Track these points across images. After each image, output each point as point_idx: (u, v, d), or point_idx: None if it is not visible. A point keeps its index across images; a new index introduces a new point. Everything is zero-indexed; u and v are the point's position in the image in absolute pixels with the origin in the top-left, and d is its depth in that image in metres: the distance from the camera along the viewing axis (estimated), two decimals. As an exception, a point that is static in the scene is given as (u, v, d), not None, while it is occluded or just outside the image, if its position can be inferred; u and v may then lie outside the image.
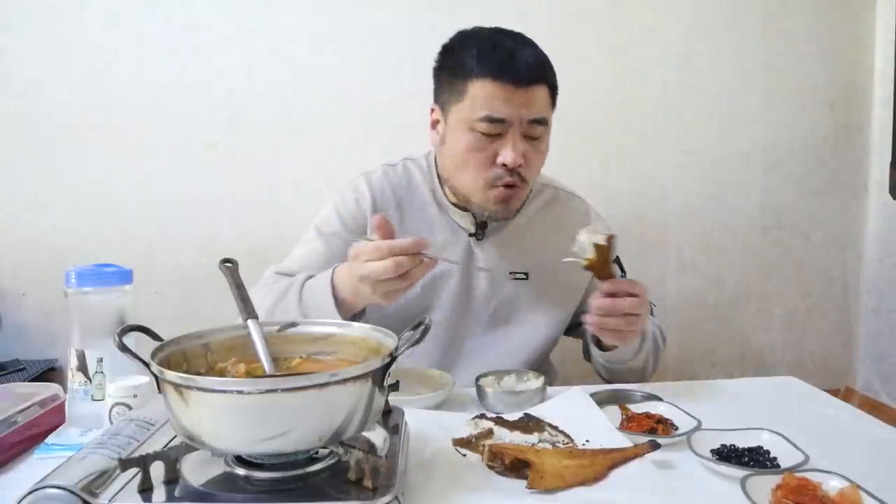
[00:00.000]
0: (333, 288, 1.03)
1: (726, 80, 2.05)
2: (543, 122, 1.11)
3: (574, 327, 1.33)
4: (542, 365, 1.31)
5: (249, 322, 0.77)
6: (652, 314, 1.34)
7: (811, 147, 2.11)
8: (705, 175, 2.08)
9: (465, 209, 1.21)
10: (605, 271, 1.01)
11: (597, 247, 0.99)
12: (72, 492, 0.59)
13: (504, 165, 1.09)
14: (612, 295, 1.02)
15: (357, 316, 1.06)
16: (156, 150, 1.89)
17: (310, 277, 1.10)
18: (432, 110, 1.20)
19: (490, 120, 1.08)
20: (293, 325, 0.81)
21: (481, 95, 1.08)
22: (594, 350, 1.21)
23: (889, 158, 2.05)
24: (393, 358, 0.67)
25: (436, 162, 1.26)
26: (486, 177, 1.11)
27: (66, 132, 1.86)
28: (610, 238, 0.99)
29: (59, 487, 0.60)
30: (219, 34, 1.88)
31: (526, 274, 1.25)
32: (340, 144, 1.93)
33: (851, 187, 2.14)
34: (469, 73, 1.09)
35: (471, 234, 1.23)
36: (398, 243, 0.91)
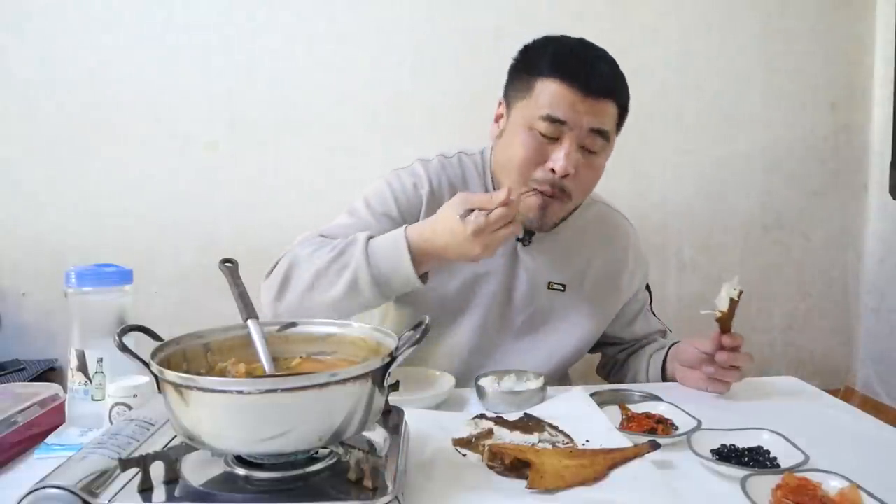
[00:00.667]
0: (409, 244, 1.00)
1: (726, 80, 2.05)
2: (605, 136, 1.09)
3: (597, 345, 1.33)
4: (563, 378, 1.31)
5: (249, 322, 0.77)
6: (654, 314, 1.35)
7: (811, 147, 2.11)
8: (705, 175, 2.08)
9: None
10: (729, 324, 1.05)
11: (731, 301, 1.04)
12: (72, 492, 0.59)
13: (552, 171, 1.07)
14: (732, 349, 1.05)
15: (426, 277, 1.03)
16: (156, 150, 1.89)
17: (371, 237, 1.05)
18: (499, 104, 1.18)
19: (550, 119, 1.06)
20: (293, 325, 0.81)
21: (547, 94, 1.07)
22: (654, 373, 1.21)
23: (889, 158, 2.05)
24: (393, 358, 0.67)
25: (491, 160, 1.23)
26: (530, 177, 1.09)
27: (66, 132, 1.86)
28: (741, 293, 1.04)
29: (59, 487, 0.60)
30: (219, 34, 1.89)
31: (564, 286, 1.23)
32: (340, 144, 1.93)
33: (851, 187, 2.14)
34: (540, 71, 1.08)
35: (518, 239, 1.21)
36: (515, 206, 0.94)
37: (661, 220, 2.06)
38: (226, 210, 1.93)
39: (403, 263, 0.99)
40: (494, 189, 1.21)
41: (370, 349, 0.76)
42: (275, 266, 1.09)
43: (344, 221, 1.18)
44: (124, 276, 0.95)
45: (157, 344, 0.69)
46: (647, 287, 1.35)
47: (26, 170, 1.87)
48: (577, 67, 1.06)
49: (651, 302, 1.36)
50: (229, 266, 0.83)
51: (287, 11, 1.90)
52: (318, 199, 1.92)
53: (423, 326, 0.70)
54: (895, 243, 2.06)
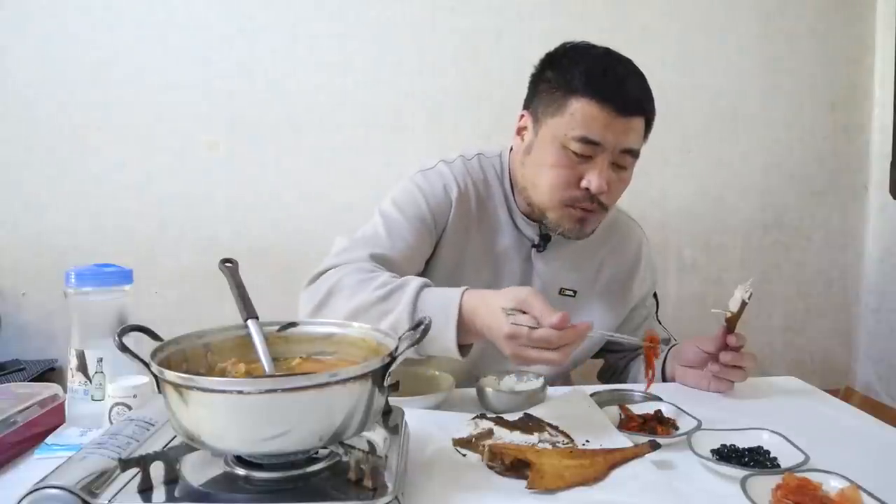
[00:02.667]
0: (460, 313, 0.94)
1: (726, 81, 2.05)
2: (635, 154, 1.10)
3: (599, 350, 1.33)
4: (565, 380, 1.31)
5: (249, 322, 0.77)
6: (660, 322, 1.35)
7: (811, 147, 2.11)
8: (705, 175, 2.08)
9: (532, 219, 1.19)
10: (735, 324, 1.07)
11: (742, 302, 1.04)
12: (72, 492, 0.59)
13: (587, 189, 1.07)
14: (736, 348, 1.06)
15: (465, 349, 0.98)
16: (156, 150, 1.89)
17: (426, 286, 1.00)
18: (521, 116, 1.16)
19: (585, 141, 1.05)
20: (293, 325, 0.81)
21: (582, 115, 1.05)
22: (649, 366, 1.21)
23: (889, 158, 2.05)
24: (393, 358, 0.67)
25: (510, 166, 1.22)
26: (565, 195, 1.09)
27: (66, 132, 1.86)
28: (751, 296, 1.05)
29: (58, 487, 0.59)
30: (219, 34, 1.88)
31: (574, 292, 1.23)
32: (340, 144, 1.94)
33: (851, 187, 2.14)
34: (574, 89, 1.06)
35: (533, 245, 1.21)
36: (573, 335, 0.86)
37: (661, 220, 2.06)
38: (226, 210, 1.93)
39: (448, 331, 0.94)
40: (511, 194, 1.20)
41: (370, 349, 0.76)
42: (317, 277, 1.07)
43: (378, 229, 1.14)
44: (124, 276, 0.95)
45: (157, 344, 0.69)
46: (655, 295, 1.35)
47: (26, 170, 1.87)
48: (613, 86, 1.05)
49: (658, 309, 1.36)
50: (229, 266, 0.83)
51: (287, 11, 1.90)
52: (318, 199, 1.92)
53: (423, 326, 0.70)
54: (895, 243, 2.06)
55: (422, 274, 1.16)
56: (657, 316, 1.35)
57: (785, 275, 2.14)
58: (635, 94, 1.08)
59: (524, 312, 0.88)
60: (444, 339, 0.94)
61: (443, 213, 1.17)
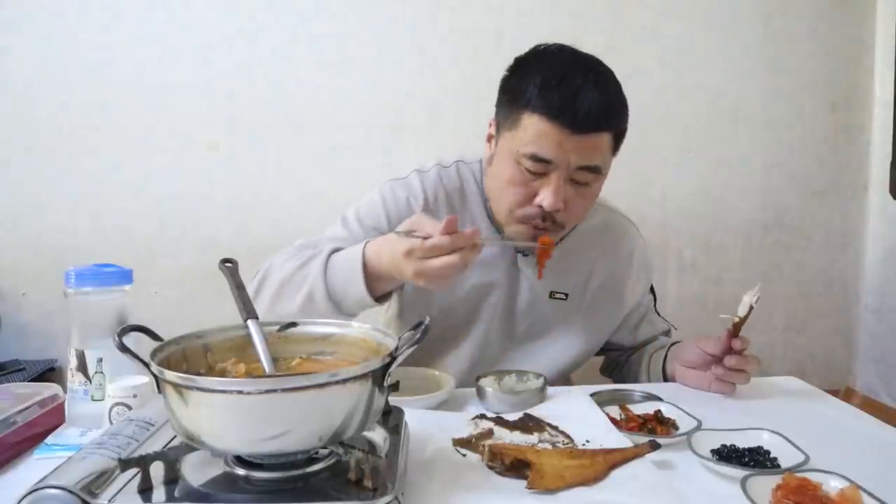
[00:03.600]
0: (365, 263, 0.98)
1: (726, 81, 2.05)
2: (595, 171, 1.04)
3: (601, 349, 1.32)
4: (565, 382, 1.31)
5: (249, 322, 0.77)
6: (658, 314, 1.35)
7: (811, 147, 2.11)
8: (705, 175, 2.08)
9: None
10: (741, 328, 1.06)
11: (750, 307, 1.05)
12: (71, 492, 0.59)
13: (540, 207, 1.04)
14: (739, 352, 1.05)
15: (387, 298, 1.03)
16: (156, 150, 1.89)
17: (337, 250, 1.05)
18: (490, 123, 1.13)
19: (536, 159, 1.01)
20: (293, 325, 0.81)
21: (533, 131, 1.00)
22: (654, 372, 1.21)
23: (889, 158, 2.05)
24: (393, 358, 0.67)
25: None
26: (519, 213, 1.06)
27: (66, 132, 1.86)
28: (758, 299, 1.05)
29: (58, 487, 0.59)
30: (219, 34, 1.89)
31: (566, 295, 1.21)
32: (340, 144, 1.94)
33: (851, 187, 2.15)
34: (527, 103, 1.01)
35: (518, 250, 1.19)
36: (461, 238, 0.89)
37: (661, 220, 2.06)
38: (226, 210, 1.93)
39: (356, 282, 0.98)
40: (490, 204, 1.18)
41: (370, 349, 0.76)
42: (257, 272, 1.11)
43: (334, 233, 1.17)
44: (124, 276, 0.95)
45: (157, 344, 0.69)
46: (652, 289, 1.35)
47: (26, 170, 1.87)
48: (563, 102, 0.98)
49: (656, 303, 1.35)
50: (229, 266, 0.83)
51: (287, 11, 1.90)
52: (318, 199, 1.92)
53: (423, 326, 0.70)
54: (895, 243, 2.06)
55: (400, 288, 1.17)
56: (655, 309, 1.34)
57: (785, 275, 2.14)
58: (593, 109, 0.99)
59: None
60: (356, 290, 0.99)
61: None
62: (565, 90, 0.99)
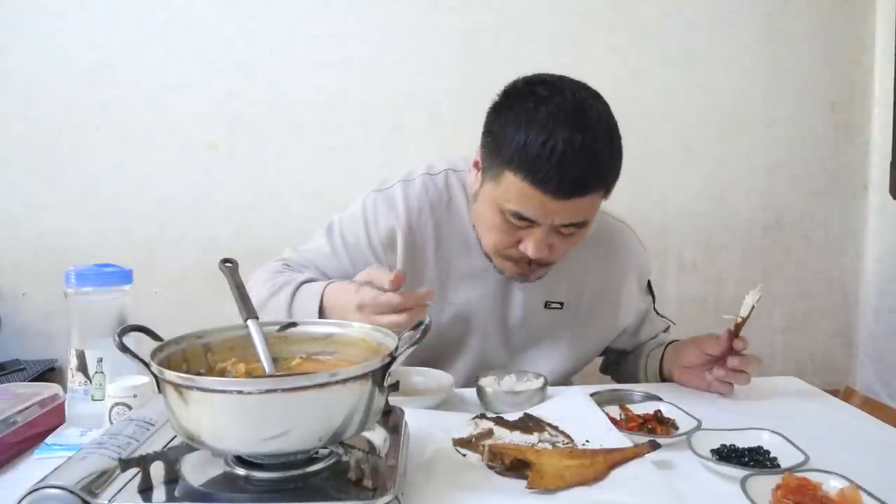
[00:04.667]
0: (322, 306, 1.03)
1: (727, 80, 2.05)
2: (582, 225, 1.01)
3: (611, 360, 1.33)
4: (564, 382, 1.31)
5: (249, 322, 0.77)
6: (657, 312, 1.35)
7: (811, 147, 2.11)
8: (705, 175, 2.08)
9: None
10: (741, 329, 1.06)
11: (752, 307, 1.05)
12: (72, 492, 0.59)
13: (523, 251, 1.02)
14: (737, 352, 1.05)
15: None
16: (156, 150, 1.89)
17: (308, 281, 1.10)
18: (477, 150, 1.07)
19: (518, 217, 0.98)
20: (293, 325, 0.81)
21: (514, 191, 0.96)
22: (651, 371, 1.21)
23: (889, 158, 2.05)
24: (393, 358, 0.67)
25: None
26: (505, 253, 1.05)
27: (66, 132, 1.86)
28: (759, 299, 1.05)
29: (58, 487, 0.59)
30: (219, 34, 1.89)
31: (561, 304, 1.19)
32: (340, 144, 1.94)
33: (851, 187, 2.15)
34: (508, 161, 0.95)
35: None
36: (412, 298, 0.92)
37: (661, 220, 2.06)
38: (226, 210, 1.93)
39: (314, 318, 1.01)
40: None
41: (370, 349, 0.76)
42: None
43: (318, 246, 1.20)
44: (124, 276, 0.95)
45: (157, 344, 0.69)
46: (650, 288, 1.33)
47: (26, 170, 1.87)
48: (548, 169, 0.92)
49: (654, 301, 1.34)
50: (229, 266, 0.83)
51: (287, 11, 1.90)
52: (318, 199, 1.92)
53: (423, 326, 0.70)
54: (895, 243, 2.06)
55: None
56: (655, 308, 1.32)
57: (785, 275, 2.14)
58: (578, 176, 0.93)
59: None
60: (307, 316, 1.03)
61: (382, 238, 1.15)
62: (550, 156, 0.92)
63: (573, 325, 1.21)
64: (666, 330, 1.33)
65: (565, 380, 1.26)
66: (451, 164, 1.20)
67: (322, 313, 1.03)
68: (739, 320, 1.06)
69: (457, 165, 1.19)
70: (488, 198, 1.02)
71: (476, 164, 1.07)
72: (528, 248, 1.00)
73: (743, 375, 1.06)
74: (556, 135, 0.92)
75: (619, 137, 1.00)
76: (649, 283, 1.32)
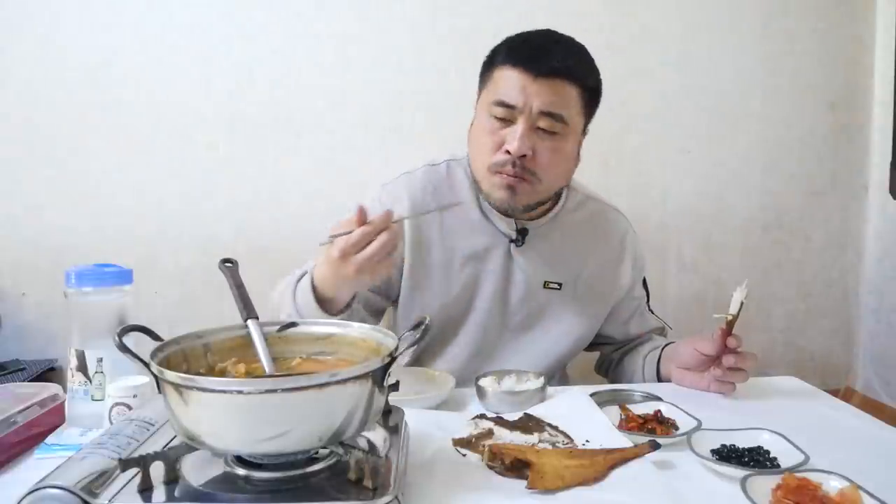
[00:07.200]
0: (314, 286, 1.04)
1: (726, 80, 2.05)
2: (557, 118, 1.08)
3: (592, 344, 1.33)
4: (562, 377, 1.32)
5: (249, 322, 0.77)
6: (652, 312, 1.35)
7: (811, 147, 2.11)
8: (705, 175, 2.08)
9: (506, 214, 1.19)
10: (733, 326, 1.06)
11: (741, 304, 1.05)
12: (72, 492, 0.59)
13: (508, 152, 1.08)
14: (732, 350, 1.06)
15: (345, 310, 1.06)
16: (156, 150, 1.89)
17: (302, 276, 1.11)
18: (475, 106, 1.20)
19: (501, 104, 1.08)
20: (293, 325, 0.81)
21: (500, 80, 1.10)
22: (649, 374, 1.21)
23: (889, 158, 2.05)
24: (393, 358, 0.67)
25: None
26: (491, 161, 1.11)
27: (66, 132, 1.86)
28: (747, 295, 1.05)
29: (58, 487, 0.60)
30: (219, 34, 1.88)
31: (559, 284, 1.23)
32: (340, 144, 1.94)
33: (851, 187, 2.15)
34: (496, 62, 1.12)
35: (512, 240, 1.21)
36: (379, 222, 0.94)
37: (661, 219, 2.06)
38: (226, 210, 1.93)
39: (312, 303, 1.04)
40: (472, 170, 1.21)
41: (370, 349, 0.76)
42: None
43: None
44: (124, 276, 0.95)
45: (157, 344, 0.69)
46: (645, 285, 1.35)
47: (26, 170, 1.87)
48: (528, 50, 1.09)
49: (649, 299, 1.35)
50: (229, 266, 0.83)
51: (287, 11, 1.90)
52: (318, 199, 1.92)
53: (423, 326, 0.70)
54: (895, 243, 2.06)
55: (399, 282, 1.22)
56: (648, 306, 1.35)
57: (785, 275, 2.14)
58: (555, 57, 1.08)
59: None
60: (313, 308, 1.04)
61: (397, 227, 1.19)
62: (530, 43, 1.11)
63: (571, 305, 1.24)
64: (662, 332, 1.34)
65: (563, 362, 1.28)
66: (452, 155, 1.28)
67: (322, 299, 1.04)
68: (730, 318, 1.06)
69: (457, 156, 1.27)
70: (479, 108, 1.15)
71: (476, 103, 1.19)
72: (511, 141, 1.08)
73: (740, 373, 1.06)
74: (535, 36, 1.13)
75: (591, 59, 1.15)
76: (644, 280, 1.34)
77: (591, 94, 1.14)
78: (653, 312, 1.35)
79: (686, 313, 2.06)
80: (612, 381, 1.33)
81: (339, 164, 1.93)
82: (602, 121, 1.98)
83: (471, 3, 1.90)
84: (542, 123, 1.08)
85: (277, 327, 0.80)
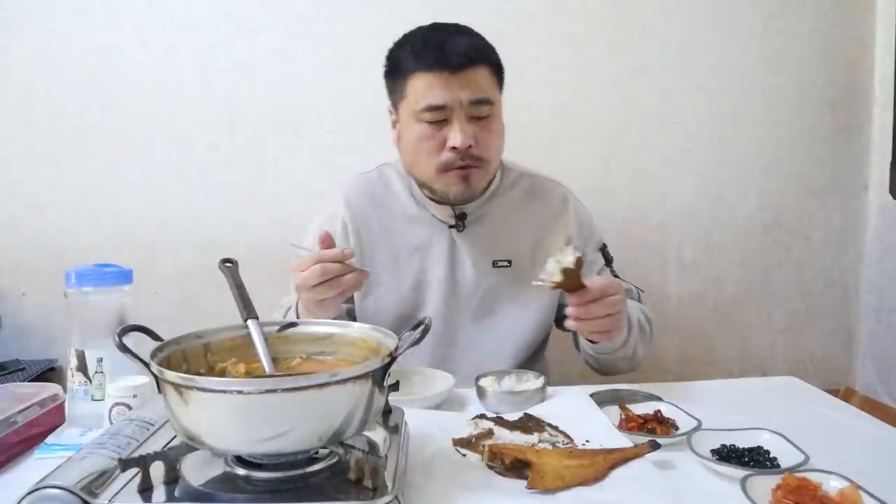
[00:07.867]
0: (296, 306, 1.10)
1: (726, 80, 2.05)
2: (487, 102, 1.14)
3: (563, 318, 1.31)
4: (537, 360, 1.32)
5: (249, 322, 0.77)
6: (639, 300, 1.34)
7: (811, 147, 2.11)
8: (705, 175, 2.08)
9: (442, 202, 1.24)
10: (575, 286, 0.97)
11: (564, 271, 0.94)
12: (72, 492, 0.59)
13: (454, 148, 1.12)
14: (585, 303, 0.98)
15: None
16: (156, 150, 1.89)
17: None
18: (389, 112, 1.24)
19: (431, 109, 1.11)
20: (293, 325, 0.81)
21: (420, 87, 1.12)
22: (583, 342, 1.20)
23: (889, 158, 2.05)
24: (393, 358, 0.67)
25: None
26: (438, 162, 1.14)
27: (66, 132, 1.86)
28: (579, 260, 0.95)
29: (58, 487, 0.60)
30: (219, 34, 1.88)
31: (509, 262, 1.26)
32: (340, 144, 1.93)
33: (851, 187, 2.14)
34: (406, 70, 1.14)
35: (451, 226, 1.25)
36: (325, 253, 0.98)
37: (660, 219, 2.06)
38: (226, 210, 1.93)
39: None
40: (419, 189, 1.26)
41: (370, 349, 0.76)
42: None
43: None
44: (124, 276, 0.95)
45: (157, 344, 0.69)
46: (605, 251, 1.32)
47: (26, 170, 1.86)
48: (435, 51, 1.12)
49: (611, 265, 1.31)
50: (229, 266, 0.83)
51: (287, 11, 1.90)
52: (318, 199, 1.91)
53: (423, 326, 0.71)
54: (895, 243, 2.06)
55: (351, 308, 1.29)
56: (612, 271, 1.30)
57: (785, 275, 2.14)
58: (461, 48, 1.12)
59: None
60: None
61: (338, 242, 1.23)
62: (433, 44, 1.14)
63: (526, 281, 1.19)
64: (631, 294, 1.29)
65: (534, 343, 1.28)
66: (384, 161, 1.35)
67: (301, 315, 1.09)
68: (552, 284, 0.95)
69: (388, 160, 1.34)
70: (405, 120, 1.17)
71: (393, 124, 1.24)
72: (455, 137, 1.11)
73: (604, 321, 0.99)
74: (432, 34, 1.17)
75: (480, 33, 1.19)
76: (604, 245, 1.33)
77: (498, 67, 1.19)
78: (618, 277, 1.28)
79: (686, 313, 2.06)
80: (581, 355, 1.28)
81: (339, 164, 1.93)
82: (602, 121, 2.00)
83: (471, 3, 1.90)
84: (475, 112, 1.13)
85: (277, 327, 0.80)
